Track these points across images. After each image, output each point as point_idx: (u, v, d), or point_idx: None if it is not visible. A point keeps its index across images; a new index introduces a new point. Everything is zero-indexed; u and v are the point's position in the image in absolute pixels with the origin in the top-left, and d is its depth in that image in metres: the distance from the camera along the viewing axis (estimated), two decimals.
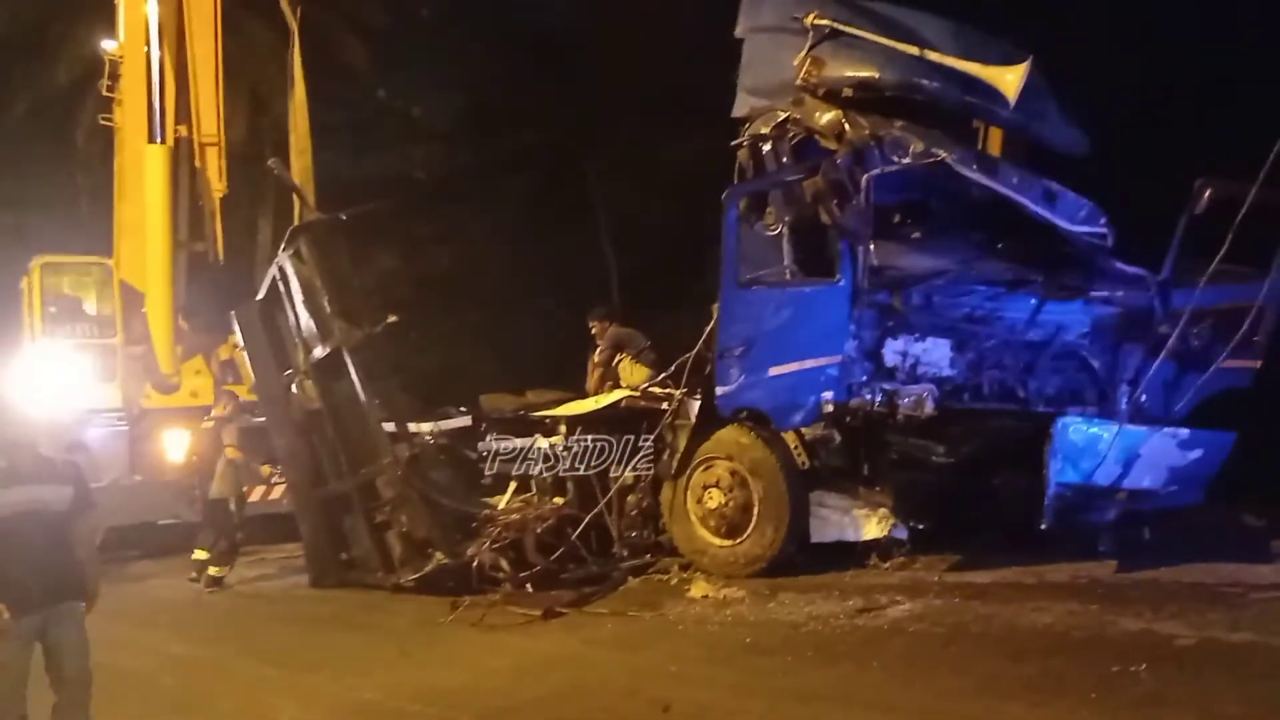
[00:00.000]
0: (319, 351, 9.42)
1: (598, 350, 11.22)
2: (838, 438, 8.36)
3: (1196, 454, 7.75)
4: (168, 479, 13.13)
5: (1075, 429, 7.33)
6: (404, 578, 8.92)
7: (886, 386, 7.81)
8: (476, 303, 16.06)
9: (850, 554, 8.35)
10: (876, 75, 7.82)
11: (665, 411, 8.99)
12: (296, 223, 10.05)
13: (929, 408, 7.73)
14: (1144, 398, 8.13)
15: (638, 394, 9.74)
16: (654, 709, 5.35)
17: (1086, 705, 4.85)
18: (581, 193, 17.34)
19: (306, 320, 9.56)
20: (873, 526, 8.30)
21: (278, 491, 12.12)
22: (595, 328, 11.25)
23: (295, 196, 10.67)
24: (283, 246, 9.76)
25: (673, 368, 9.13)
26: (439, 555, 8.62)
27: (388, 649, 7.44)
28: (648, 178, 15.69)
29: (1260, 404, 8.13)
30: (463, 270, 15.29)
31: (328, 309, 9.21)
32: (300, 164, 11.80)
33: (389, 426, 9.07)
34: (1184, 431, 7.79)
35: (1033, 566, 7.59)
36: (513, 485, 9.62)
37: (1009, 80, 7.56)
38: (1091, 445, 7.31)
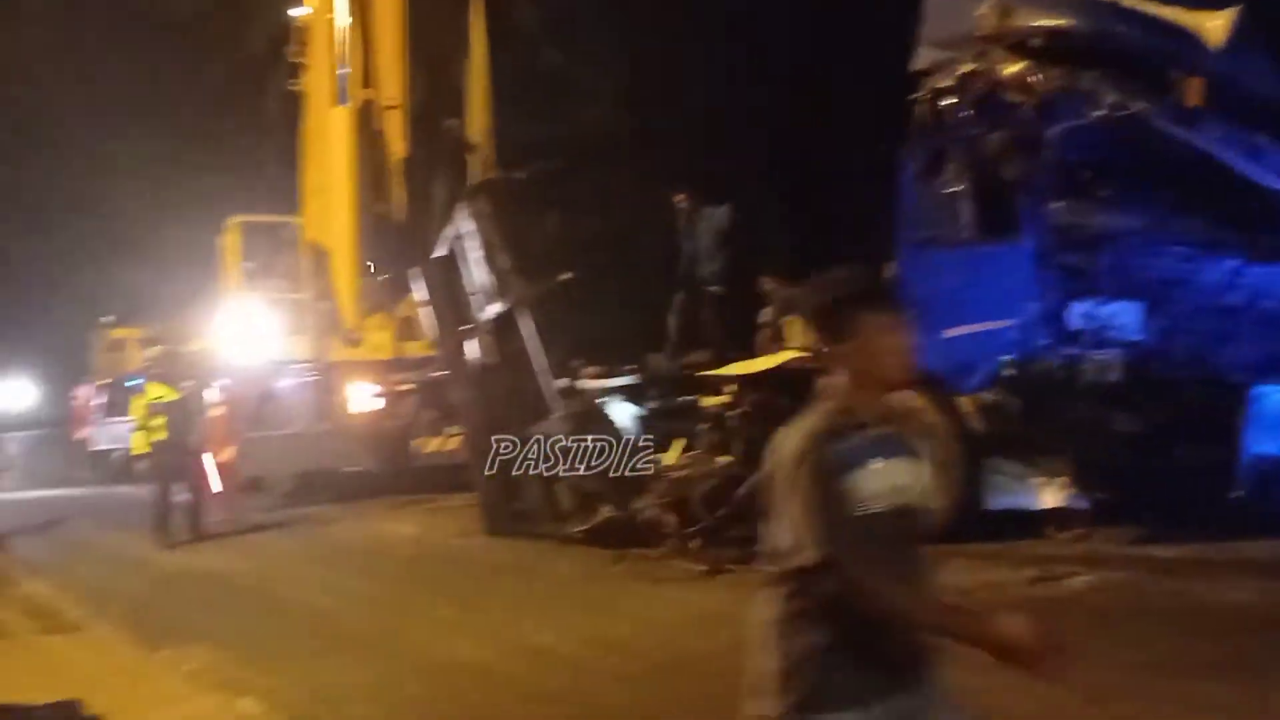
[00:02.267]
0: (496, 307, 9.70)
1: (767, 311, 11.17)
2: (1016, 402, 8.09)
3: None
4: (352, 427, 13.79)
5: (1273, 398, 6.90)
6: (573, 529, 9.13)
7: (1070, 351, 7.52)
8: (643, 263, 16.19)
9: (1026, 523, 8.10)
10: (1067, 24, 7.46)
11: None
12: (475, 183, 10.32)
13: (1115, 374, 7.42)
14: None
15: (806, 354, 9.65)
16: None
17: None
18: (756, 156, 17.18)
19: (484, 277, 9.84)
20: (1051, 495, 8.00)
21: (452, 443, 12.56)
22: (768, 285, 11.21)
23: (473, 157, 10.97)
24: (462, 205, 10.05)
25: None
26: (607, 509, 8.78)
27: (556, 596, 7.67)
28: (823, 141, 15.43)
29: None
30: (630, 232, 15.40)
31: (505, 266, 9.46)
32: (478, 124, 12.09)
33: (560, 382, 9.26)
34: None
35: (1224, 542, 7.19)
36: (679, 443, 9.69)
37: (1214, 26, 7.10)
38: None
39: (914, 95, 8.31)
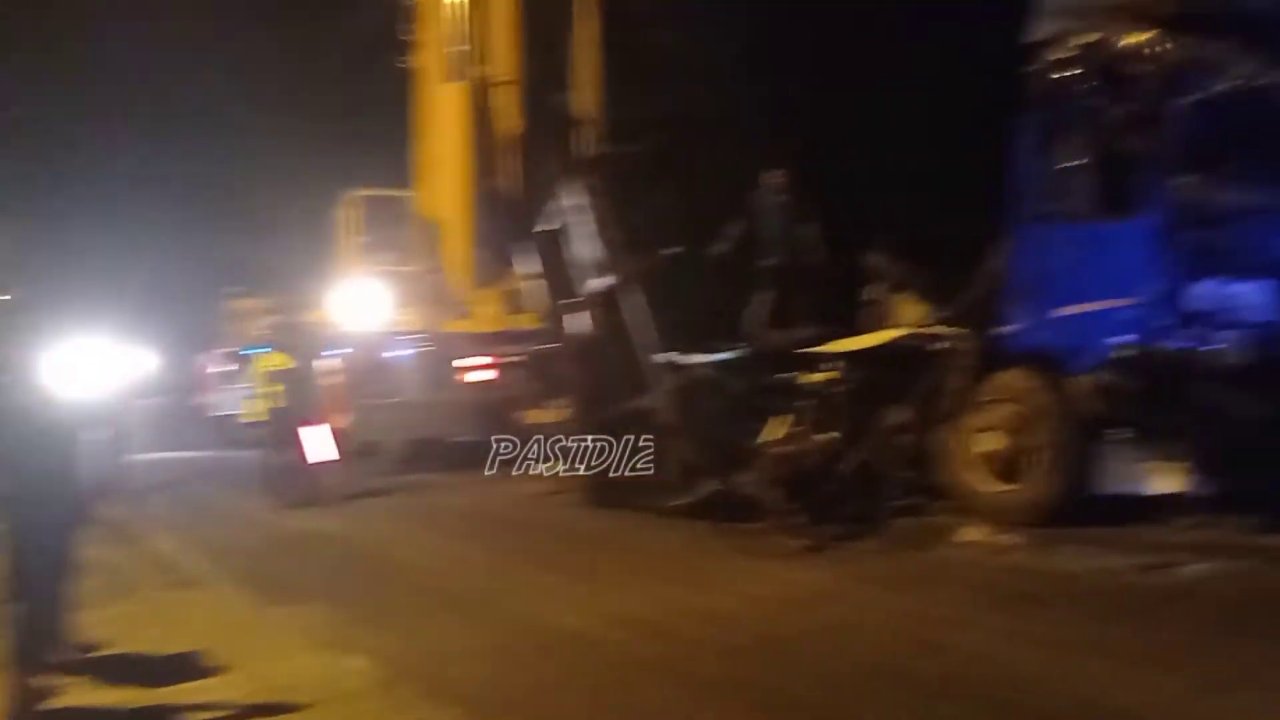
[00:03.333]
0: (604, 281, 9.78)
1: (874, 287, 11.04)
2: (1132, 384, 7.84)
3: None
4: (462, 398, 14.07)
5: None
6: (675, 502, 9.19)
7: (1191, 331, 7.25)
8: (745, 240, 16.11)
9: (1140, 509, 7.86)
10: None
11: (943, 351, 8.73)
12: (587, 157, 10.41)
13: (1240, 356, 7.13)
14: None
15: (915, 332, 9.52)
16: (922, 649, 5.29)
17: None
18: (859, 131, 16.93)
19: (594, 251, 9.93)
20: (1167, 481, 7.74)
21: (553, 414, 12.70)
22: (874, 261, 11.10)
23: (581, 132, 11.06)
24: (573, 179, 10.14)
25: (952, 306, 8.84)
26: (710, 483, 8.80)
27: (656, 568, 7.74)
28: (938, 114, 15.11)
29: None
30: (735, 208, 15.33)
31: (614, 240, 9.53)
32: (588, 99, 12.16)
33: (666, 356, 9.30)
34: None
35: None
36: (783, 419, 9.65)
37: None
38: None
39: (1032, 66, 8.07)
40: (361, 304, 14.94)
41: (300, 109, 22.97)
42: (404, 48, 15.32)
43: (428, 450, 14.55)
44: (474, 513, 11.00)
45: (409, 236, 15.25)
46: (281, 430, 11.71)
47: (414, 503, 11.82)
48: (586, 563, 8.17)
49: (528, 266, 11.47)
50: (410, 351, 14.82)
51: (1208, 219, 7.30)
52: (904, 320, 10.34)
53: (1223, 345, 7.08)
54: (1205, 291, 7.39)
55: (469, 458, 14.14)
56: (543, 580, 7.56)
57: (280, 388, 11.62)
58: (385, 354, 15.13)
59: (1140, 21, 7.31)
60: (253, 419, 12.19)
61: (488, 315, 14.58)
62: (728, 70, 17.50)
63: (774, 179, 11.56)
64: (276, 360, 11.78)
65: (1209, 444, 7.70)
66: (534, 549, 8.90)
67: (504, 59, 14.66)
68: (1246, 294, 7.50)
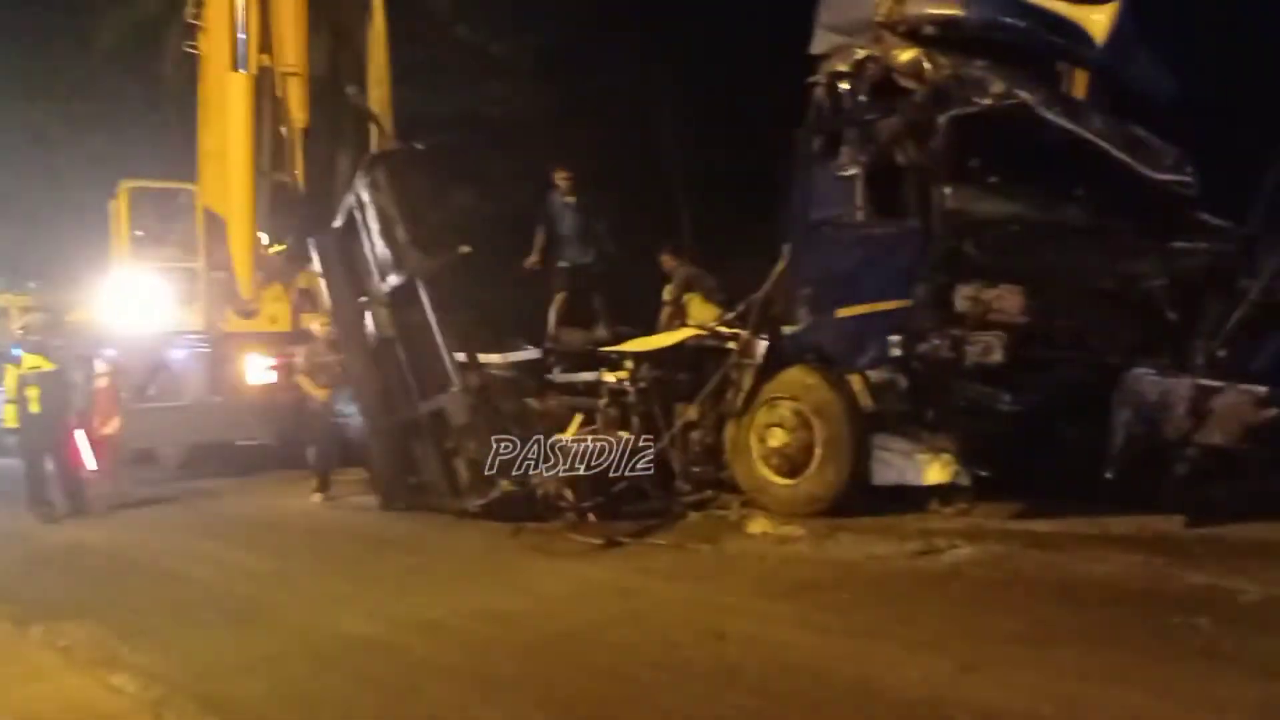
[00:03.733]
0: (393, 280, 9.59)
1: (667, 289, 11.31)
2: (904, 382, 8.31)
3: (1273, 413, 7.56)
4: (246, 400, 13.51)
5: (1146, 380, 7.21)
6: (470, 503, 9.12)
7: (956, 332, 7.74)
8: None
9: (911, 498, 8.36)
10: (959, 13, 7.68)
11: (732, 350, 9.03)
12: (373, 153, 10.17)
13: (998, 355, 7.66)
14: (1221, 353, 7.92)
15: (705, 332, 9.81)
16: (707, 638, 5.44)
17: (1141, 654, 4.84)
18: (656, 135, 17.29)
19: (382, 249, 9.72)
20: (935, 472, 8.26)
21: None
22: (666, 264, 11.38)
23: (373, 128, 10.81)
24: (360, 175, 9.90)
25: (740, 307, 9.15)
26: (504, 483, 8.79)
27: (451, 570, 7.65)
28: (727, 121, 15.59)
29: None
30: (535, 209, 15.40)
31: (403, 238, 9.35)
32: (378, 94, 11.89)
33: (460, 356, 9.22)
34: (1260, 389, 7.59)
35: (1096, 518, 7.53)
36: (578, 418, 9.75)
37: (1097, 20, 7.38)
38: (1163, 398, 7.19)
39: (812, 79, 8.44)
40: (134, 302, 14.12)
41: (78, 94, 21.53)
42: (190, 32, 14.56)
43: (210, 455, 13.91)
44: (259, 519, 10.58)
45: (191, 231, 14.49)
46: (37, 438, 10.89)
47: (194, 511, 11.25)
48: (378, 567, 8.00)
49: (317, 264, 11.12)
50: (188, 352, 14.11)
51: (971, 226, 7.81)
52: (696, 320, 10.64)
53: (983, 344, 7.57)
54: (967, 294, 7.89)
55: (255, 462, 13.66)
56: (331, 587, 7.35)
57: (36, 392, 10.74)
58: (162, 355, 14.35)
59: (909, 39, 7.76)
60: (9, 426, 11.25)
61: (275, 314, 14.05)
62: (528, 69, 17.53)
63: (562, 178, 11.65)
64: (33, 362, 10.88)
65: (972, 436, 8.27)
66: (322, 555, 8.65)
67: (291, 49, 14.15)
68: (1003, 297, 8.05)
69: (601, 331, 11.20)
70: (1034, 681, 4.57)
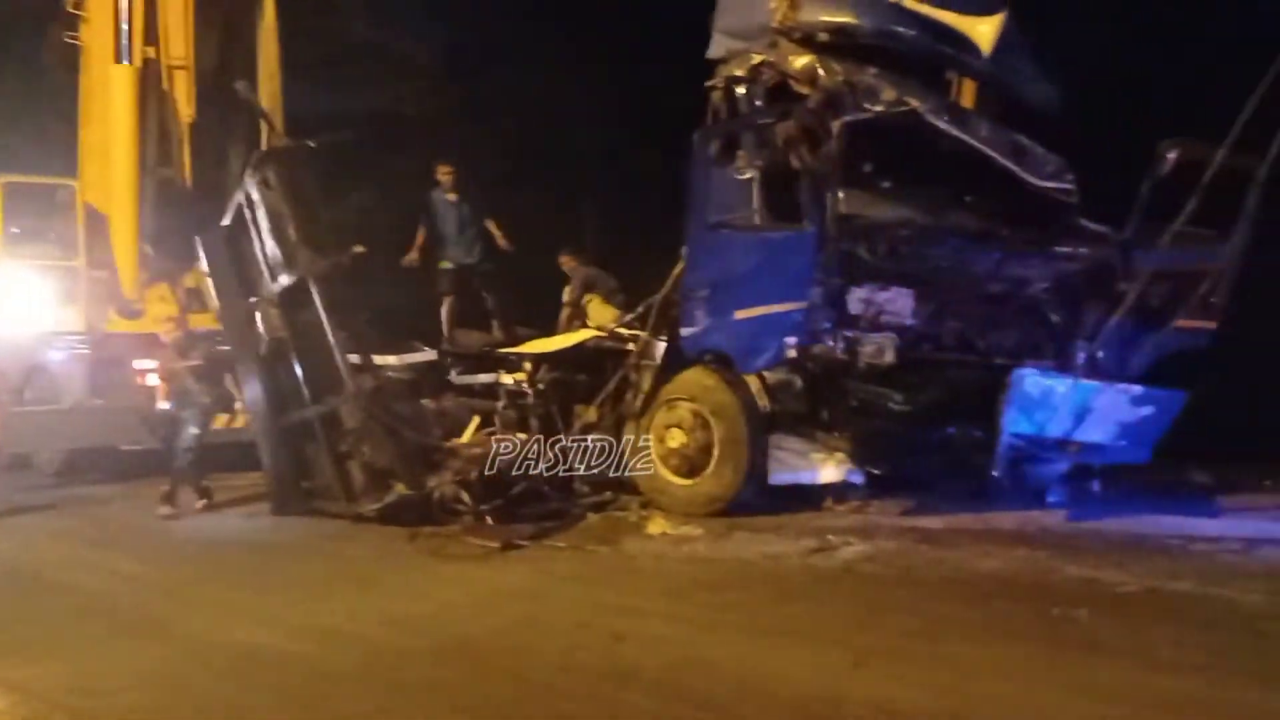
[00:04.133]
0: (284, 280, 9.37)
1: (567, 290, 11.30)
2: (799, 382, 8.48)
3: (1148, 411, 7.91)
4: (129, 404, 13.04)
5: (1031, 381, 7.47)
6: (365, 508, 8.97)
7: (849, 334, 7.91)
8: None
9: (807, 497, 8.51)
10: (852, 21, 7.84)
11: (631, 352, 9.06)
12: (262, 149, 9.91)
13: (890, 356, 7.86)
14: (1100, 354, 8.26)
15: (605, 334, 9.83)
16: (606, 640, 5.45)
17: (1027, 646, 5.00)
18: (561, 136, 17.25)
19: (272, 248, 9.49)
20: (829, 470, 8.45)
21: (241, 420, 12.09)
22: (566, 265, 11.36)
23: (264, 124, 10.53)
24: (249, 172, 9.65)
25: (640, 309, 9.20)
26: (400, 486, 8.67)
27: (348, 576, 7.51)
28: (629, 123, 15.62)
29: (1214, 365, 8.30)
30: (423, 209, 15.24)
31: (294, 237, 9.16)
32: (269, 89, 11.58)
33: (353, 358, 9.07)
34: (1137, 388, 7.94)
35: (984, 514, 7.79)
36: (476, 420, 9.68)
37: (983, 31, 7.60)
38: (1046, 398, 7.46)
39: (710, 83, 8.53)
40: (9, 302, 13.52)
41: None
42: (72, 21, 13.99)
43: (92, 461, 13.39)
44: (147, 527, 10.20)
45: (69, 228, 13.92)
46: None
47: (77, 518, 10.81)
48: (272, 574, 7.79)
49: (205, 263, 10.81)
50: (68, 354, 13.56)
51: (863, 231, 8.00)
52: (596, 322, 10.66)
53: (875, 345, 7.76)
54: (860, 296, 8.08)
55: (142, 468, 13.18)
56: (225, 596, 7.13)
57: None
58: (38, 357, 13.76)
59: (803, 45, 7.89)
60: None
61: (161, 315, 13.59)
62: (430, 67, 17.31)
63: (444, 173, 11.47)
64: None
65: (865, 435, 8.47)
66: (215, 562, 8.39)
67: (178, 41, 13.71)
68: (895, 300, 8.27)
69: (497, 333, 11.14)
70: (924, 675, 4.69)
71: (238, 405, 11.97)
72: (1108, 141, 9.21)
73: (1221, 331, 8.19)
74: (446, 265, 11.59)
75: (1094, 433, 7.72)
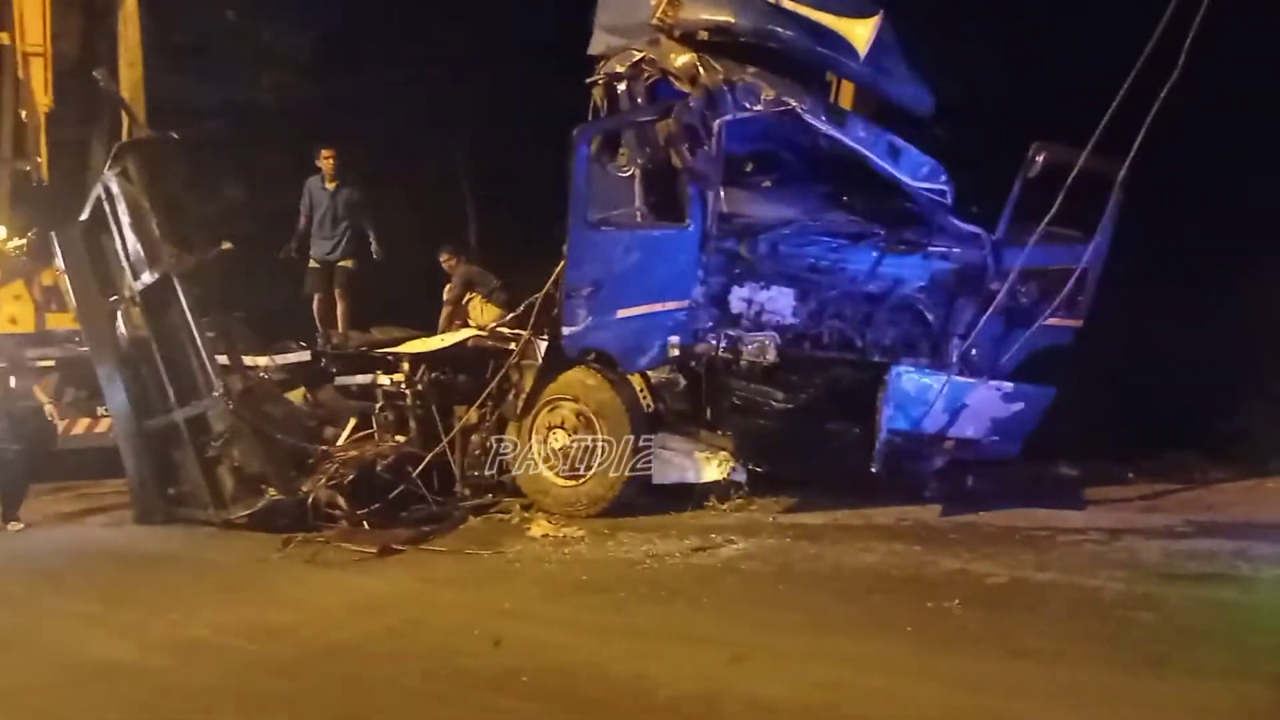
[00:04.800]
0: (147, 277, 8.97)
1: (448, 288, 11.09)
2: (682, 381, 8.48)
3: (1018, 406, 8.13)
4: None
5: (907, 378, 7.60)
6: (235, 514, 8.65)
7: (731, 332, 7.94)
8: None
9: (690, 496, 8.50)
10: (732, 20, 7.85)
11: (513, 351, 8.94)
12: (123, 142, 9.44)
13: (771, 354, 7.91)
14: (973, 351, 8.45)
15: (486, 333, 9.68)
16: (484, 644, 5.33)
17: (902, 639, 5.05)
18: (444, 132, 16.99)
19: (134, 244, 9.06)
20: (713, 469, 8.47)
21: (103, 425, 11.55)
22: (447, 263, 11.15)
23: (125, 114, 10.05)
24: (110, 165, 9.20)
25: (521, 308, 9.08)
26: (272, 491, 8.39)
27: (214, 585, 7.22)
28: (513, 120, 15.46)
29: (1080, 361, 8.58)
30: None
31: (156, 233, 8.77)
32: (130, 78, 11.05)
33: (221, 358, 8.74)
34: (1008, 385, 8.16)
35: (862, 509, 7.90)
36: (352, 421, 9.43)
37: (859, 33, 7.69)
38: (921, 394, 7.60)
39: (591, 79, 8.45)
40: None
41: None
42: None
43: None
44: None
45: None
46: None
47: None
48: (132, 585, 7.44)
49: (62, 260, 10.27)
50: None
51: (744, 229, 8.02)
52: (477, 321, 10.50)
53: (756, 345, 7.79)
54: (742, 295, 8.12)
55: None
56: (80, 608, 6.79)
57: None
58: None
59: (684, 43, 7.88)
60: None
61: (16, 314, 12.92)
62: (305, 58, 16.82)
63: (325, 157, 11.07)
64: None
65: (747, 434, 8.51)
66: (71, 575, 7.96)
67: (34, 27, 13.04)
68: (776, 299, 8.34)
69: (384, 332, 10.84)
70: (803, 670, 4.70)
71: (100, 410, 11.46)
72: (979, 143, 9.43)
73: (1087, 329, 8.47)
74: (313, 264, 11.14)
75: (967, 428, 7.90)
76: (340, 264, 11.09)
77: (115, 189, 9.11)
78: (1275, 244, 9.86)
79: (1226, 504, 8.09)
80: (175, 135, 9.46)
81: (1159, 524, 7.21)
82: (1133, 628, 4.99)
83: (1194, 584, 5.65)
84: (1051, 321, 8.19)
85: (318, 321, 11.06)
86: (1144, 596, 5.42)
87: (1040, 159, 8.07)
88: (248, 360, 9.39)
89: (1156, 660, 4.51)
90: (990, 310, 8.16)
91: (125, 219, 9.08)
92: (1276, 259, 9.92)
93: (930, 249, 8.71)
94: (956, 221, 8.60)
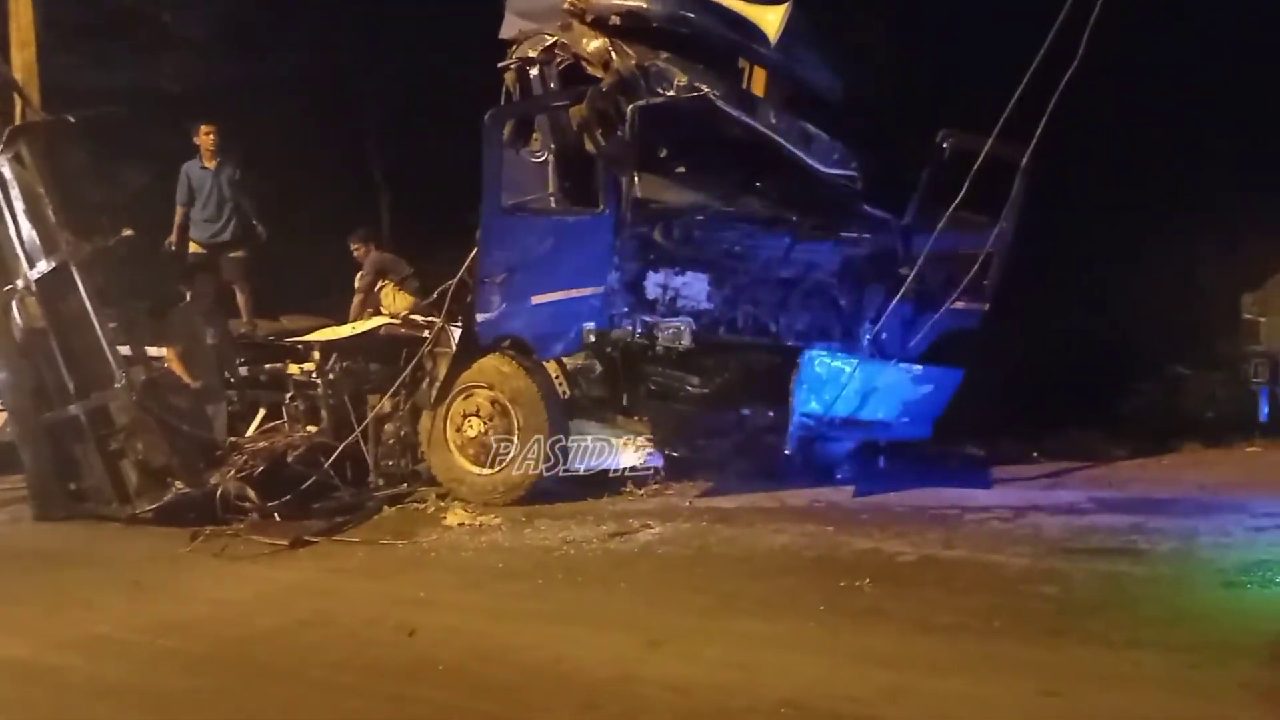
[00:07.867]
0: (43, 266, 8.66)
1: (359, 276, 10.93)
2: (598, 367, 8.48)
3: (928, 389, 8.31)
4: None
5: (819, 362, 7.71)
6: (140, 508, 8.41)
7: (646, 318, 7.95)
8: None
9: (607, 482, 8.52)
10: (643, 5, 7.85)
11: (426, 339, 8.84)
12: (15, 125, 9.09)
13: (687, 340, 7.94)
14: (884, 335, 8.60)
15: (398, 321, 9.56)
16: (398, 634, 5.27)
17: (814, 618, 5.12)
18: (354, 118, 16.70)
19: (29, 231, 8.73)
20: (629, 455, 8.49)
21: None
22: (357, 251, 10.97)
23: (16, 96, 9.68)
24: (0, 149, 8.85)
25: (434, 295, 8.98)
26: (179, 484, 8.18)
27: (119, 581, 7.00)
28: (425, 105, 15.25)
29: (986, 343, 8.79)
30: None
31: (53, 219, 8.47)
32: (23, 58, 10.61)
33: (123, 349, 8.48)
34: (917, 367, 8.32)
35: (776, 492, 7.99)
36: (262, 412, 9.25)
37: (770, 20, 7.76)
38: (834, 378, 7.72)
39: (503, 63, 8.38)
40: None
41: None
42: None
43: None
44: None
45: None
46: None
47: None
48: (30, 583, 7.18)
49: None
50: None
51: (658, 215, 8.04)
52: (390, 309, 10.36)
53: (671, 330, 7.82)
54: (657, 281, 8.14)
55: None
56: None
57: None
58: None
59: (596, 28, 7.86)
60: None
61: None
62: (206, 41, 16.38)
63: (205, 132, 10.71)
64: None
65: (662, 419, 8.55)
66: None
67: None
68: (690, 284, 8.37)
69: (288, 322, 10.63)
70: (718, 652, 4.73)
71: None
72: (888, 130, 9.59)
73: (993, 311, 8.67)
74: (196, 248, 10.75)
75: (879, 410, 8.05)
76: (230, 255, 10.75)
77: (8, 174, 8.77)
78: (1171, 229, 10.23)
79: (1125, 481, 8.37)
80: (71, 119, 9.12)
81: (1062, 501, 7.43)
82: (1035, 601, 5.13)
83: (1094, 558, 5.82)
84: (959, 305, 8.37)
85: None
86: (1047, 571, 5.58)
87: (948, 145, 8.24)
88: (152, 350, 9.12)
89: (1056, 631, 4.64)
90: (899, 294, 8.31)
91: (19, 205, 8.73)
92: (1171, 244, 10.29)
93: (842, 235, 8.83)
94: (867, 207, 8.72)
